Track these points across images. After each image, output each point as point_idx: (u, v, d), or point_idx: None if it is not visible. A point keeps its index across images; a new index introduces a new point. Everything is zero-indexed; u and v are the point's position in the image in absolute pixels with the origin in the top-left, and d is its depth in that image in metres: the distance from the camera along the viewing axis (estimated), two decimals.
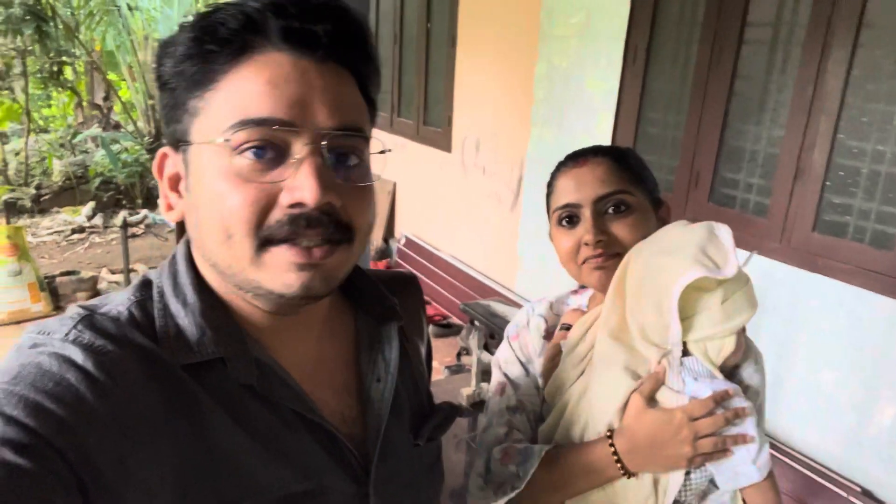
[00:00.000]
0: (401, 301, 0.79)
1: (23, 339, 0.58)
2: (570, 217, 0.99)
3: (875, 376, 2.14)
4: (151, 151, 7.80)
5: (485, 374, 3.42)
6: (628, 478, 0.89)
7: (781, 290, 2.40)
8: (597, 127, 3.13)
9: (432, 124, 4.66)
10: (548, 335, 1.09)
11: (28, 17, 6.43)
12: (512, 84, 3.74)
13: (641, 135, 2.99)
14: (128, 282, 4.59)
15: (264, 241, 0.59)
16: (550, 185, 1.05)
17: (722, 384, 0.89)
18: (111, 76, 8.62)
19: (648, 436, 0.86)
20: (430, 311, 4.35)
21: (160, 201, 0.66)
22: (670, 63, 2.84)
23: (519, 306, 3.45)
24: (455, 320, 4.18)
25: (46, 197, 7.34)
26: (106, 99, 8.74)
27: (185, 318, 0.62)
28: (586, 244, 0.96)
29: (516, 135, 3.71)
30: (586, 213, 0.97)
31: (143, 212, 7.16)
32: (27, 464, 0.47)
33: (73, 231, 6.65)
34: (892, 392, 2.10)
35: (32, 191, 7.28)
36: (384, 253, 5.32)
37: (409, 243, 4.94)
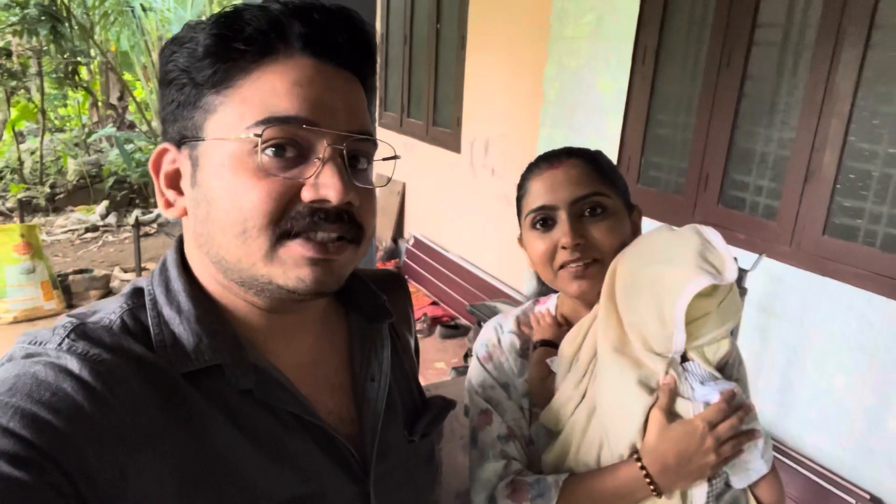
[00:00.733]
0: (390, 298, 0.79)
1: (14, 349, 0.58)
2: (545, 220, 0.96)
3: (886, 381, 2.11)
4: None
5: None
6: (659, 496, 0.87)
7: (791, 294, 2.37)
8: (606, 128, 3.11)
9: (441, 125, 4.66)
10: (523, 353, 1.04)
11: (44, 18, 6.51)
12: (521, 85, 3.73)
13: (650, 136, 2.97)
14: None
15: (281, 235, 0.60)
16: (522, 188, 1.02)
17: (725, 384, 0.89)
18: (126, 76, 8.70)
19: (677, 451, 0.84)
20: (437, 311, 4.35)
21: (157, 198, 0.66)
22: (680, 64, 2.82)
23: None
24: (463, 321, 4.18)
25: (61, 196, 7.42)
26: (121, 99, 8.83)
27: (181, 326, 0.62)
28: (563, 248, 0.94)
29: (525, 136, 3.70)
30: (562, 216, 0.94)
31: (156, 211, 7.22)
32: (24, 476, 0.47)
33: (87, 230, 6.72)
34: None
35: (47, 190, 7.37)
36: (393, 253, 5.32)
37: (418, 244, 4.94)
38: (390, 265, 5.11)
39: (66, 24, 6.82)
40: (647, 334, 0.89)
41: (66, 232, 6.62)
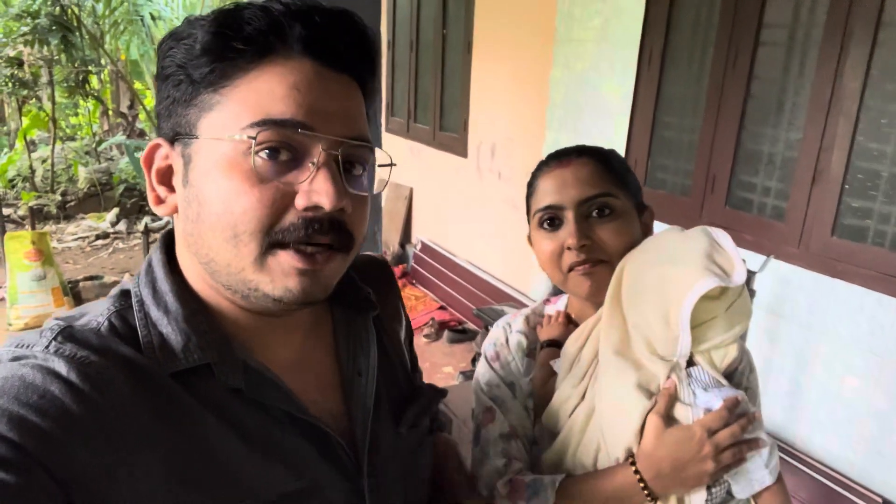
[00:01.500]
0: (375, 288, 0.79)
1: (0, 352, 0.57)
2: (551, 219, 0.95)
3: None
4: None
5: None
6: (654, 502, 0.86)
7: (800, 296, 2.35)
8: (612, 131, 3.11)
9: (448, 130, 4.66)
10: (530, 353, 1.03)
11: (54, 28, 6.58)
12: (527, 89, 3.73)
13: (657, 138, 2.96)
14: None
15: (272, 244, 0.59)
16: (531, 185, 1.01)
17: (729, 392, 0.87)
18: (136, 85, 8.78)
19: (672, 457, 0.83)
20: (445, 316, 4.34)
21: (148, 194, 0.66)
22: (686, 66, 2.81)
23: None
24: (470, 326, 4.17)
25: (72, 203, 7.49)
26: (131, 107, 8.92)
27: (168, 326, 0.62)
28: (569, 248, 0.93)
29: (532, 140, 3.70)
30: (569, 216, 0.93)
31: (166, 218, 7.26)
32: (12, 479, 0.47)
33: (98, 237, 6.77)
34: None
35: (58, 197, 7.44)
36: (401, 258, 5.32)
37: (426, 248, 4.94)
38: (398, 270, 5.11)
39: (77, 34, 6.90)
40: (652, 336, 0.88)
41: (76, 239, 6.68)
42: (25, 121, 7.92)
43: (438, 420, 0.91)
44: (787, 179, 2.41)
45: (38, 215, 6.81)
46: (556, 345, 1.00)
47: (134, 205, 7.55)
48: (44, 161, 7.85)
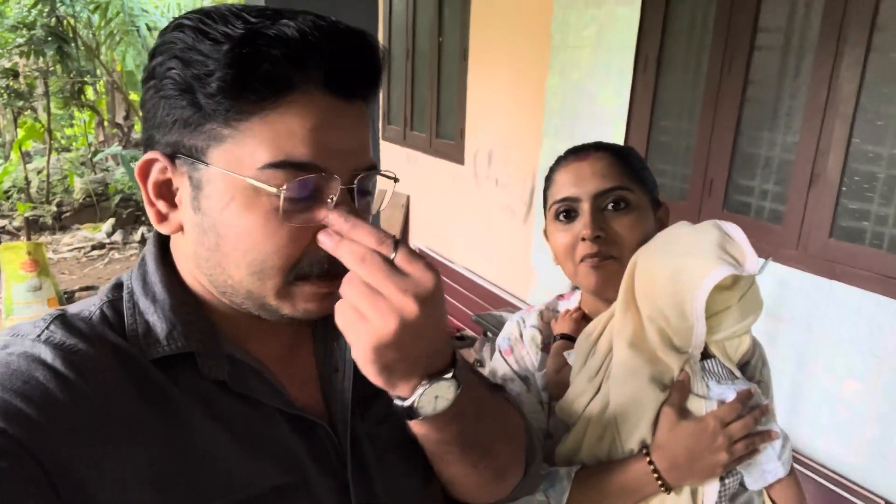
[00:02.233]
0: None
1: None
2: (567, 211, 0.97)
3: None
4: None
5: None
6: (668, 493, 0.87)
7: (798, 298, 2.35)
8: (609, 137, 3.12)
9: (445, 137, 4.67)
10: (545, 347, 1.05)
11: (50, 39, 6.60)
12: (523, 96, 3.74)
13: (654, 143, 2.97)
14: None
15: (296, 278, 0.60)
16: (549, 179, 1.02)
17: (743, 384, 0.89)
18: (132, 96, 8.79)
19: (686, 449, 0.84)
20: None
21: (147, 209, 0.64)
22: (681, 71, 2.83)
23: None
24: (469, 332, 4.16)
25: (67, 214, 7.47)
26: (126, 118, 8.92)
27: (154, 315, 0.62)
28: (584, 240, 0.94)
29: (528, 146, 3.71)
30: (585, 208, 0.95)
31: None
32: None
33: (93, 247, 6.75)
34: None
35: (54, 208, 7.42)
36: None
37: (423, 255, 4.94)
38: None
39: (73, 45, 6.92)
40: (667, 328, 0.89)
41: (72, 250, 6.65)
42: (21, 132, 7.92)
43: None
44: (784, 182, 2.42)
45: (33, 226, 6.78)
46: (569, 339, 1.01)
47: (130, 215, 7.54)
48: (39, 172, 7.83)
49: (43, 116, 7.66)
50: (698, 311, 0.84)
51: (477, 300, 4.18)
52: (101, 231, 7.11)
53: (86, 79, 7.61)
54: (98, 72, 7.92)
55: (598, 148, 0.99)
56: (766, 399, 0.90)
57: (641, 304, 0.91)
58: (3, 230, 6.92)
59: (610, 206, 0.95)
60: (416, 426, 0.63)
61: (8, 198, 7.70)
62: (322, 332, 0.75)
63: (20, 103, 7.52)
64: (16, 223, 7.15)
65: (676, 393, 0.87)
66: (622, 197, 0.95)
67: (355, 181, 0.61)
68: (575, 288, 1.12)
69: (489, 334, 3.23)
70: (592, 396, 0.93)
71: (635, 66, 2.97)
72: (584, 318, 1.04)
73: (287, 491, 0.63)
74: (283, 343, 0.71)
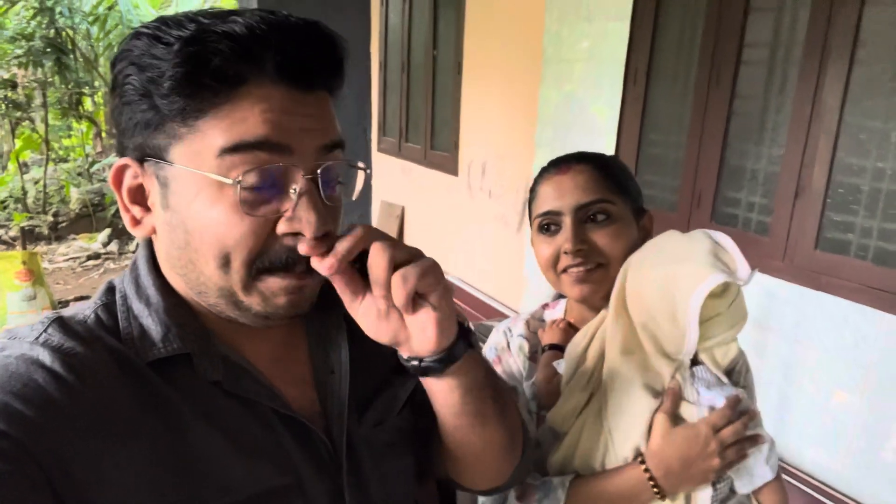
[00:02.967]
0: None
1: None
2: (550, 225, 0.99)
3: (882, 395, 2.10)
4: None
5: None
6: (662, 499, 0.88)
7: (785, 309, 2.37)
8: (600, 148, 3.14)
9: (439, 149, 4.71)
10: (532, 356, 1.05)
11: (49, 50, 6.64)
12: (516, 108, 3.78)
13: (643, 156, 3.00)
14: None
15: (259, 271, 0.60)
16: (533, 191, 1.04)
17: (731, 390, 0.90)
18: None
19: (680, 455, 0.85)
20: None
21: (122, 215, 0.65)
22: (670, 84, 2.87)
23: None
24: None
25: (63, 224, 7.48)
26: None
27: (149, 318, 0.63)
28: (566, 253, 0.95)
29: (521, 158, 3.74)
30: (567, 221, 0.96)
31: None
32: None
33: (89, 257, 6.76)
34: None
35: (50, 218, 7.43)
36: None
37: None
38: None
39: (71, 56, 6.96)
40: (659, 334, 0.90)
41: (67, 260, 6.66)
42: (18, 142, 7.93)
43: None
44: (770, 195, 2.45)
45: (29, 236, 6.79)
46: (557, 348, 1.02)
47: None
48: (36, 182, 7.85)
49: (41, 127, 7.69)
50: (692, 317, 0.85)
51: (470, 310, 4.20)
52: (96, 241, 7.12)
53: (84, 90, 7.64)
54: (96, 83, 7.96)
55: (580, 160, 1.00)
56: (753, 404, 0.91)
57: (633, 311, 0.92)
58: None
59: (591, 219, 0.96)
60: (434, 382, 0.68)
61: (4, 208, 7.71)
62: (317, 335, 0.75)
63: (18, 114, 7.55)
64: (12, 233, 7.15)
65: (669, 400, 0.88)
66: (603, 209, 0.96)
67: (318, 170, 0.60)
68: (559, 296, 1.13)
69: (481, 344, 3.25)
70: (584, 405, 0.93)
71: (625, 80, 3.01)
72: (570, 328, 1.05)
73: (282, 492, 0.64)
74: (276, 344, 0.72)
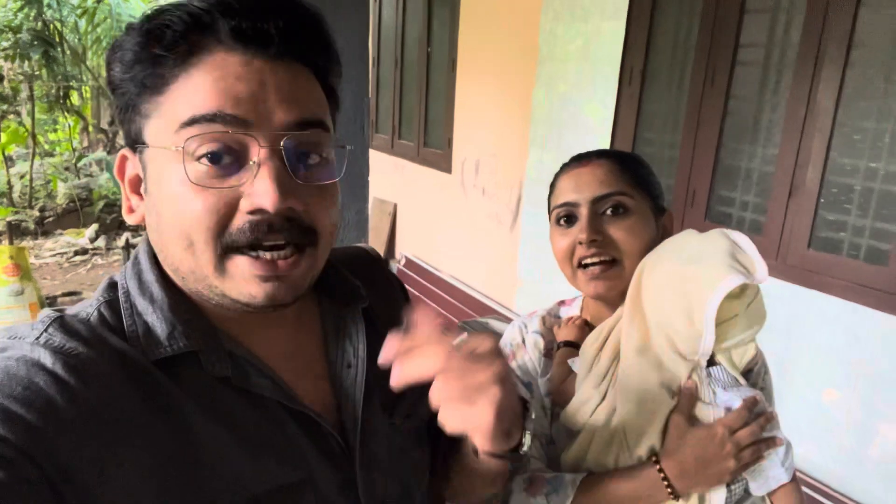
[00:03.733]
0: (364, 278, 0.77)
1: None
2: (567, 216, 0.98)
3: (873, 392, 2.14)
4: None
5: None
6: (676, 500, 0.87)
7: (778, 307, 2.40)
8: (594, 148, 3.15)
9: (432, 146, 4.71)
10: (547, 352, 1.05)
11: (36, 43, 6.56)
12: (511, 107, 3.79)
13: (638, 155, 3.02)
14: None
15: (226, 249, 0.58)
16: (552, 185, 1.04)
17: (747, 391, 0.89)
18: None
19: (696, 456, 0.85)
20: None
21: (123, 204, 0.66)
22: (665, 85, 2.89)
23: None
24: None
25: (50, 219, 7.39)
26: (111, 123, 8.85)
27: (153, 315, 0.61)
28: (580, 243, 0.95)
29: (515, 156, 3.75)
30: (583, 213, 0.96)
31: (146, 233, 7.20)
32: None
33: (76, 253, 6.68)
34: (890, 408, 2.10)
35: (36, 213, 7.34)
36: None
37: (410, 264, 4.96)
38: None
39: (59, 49, 6.87)
40: (675, 335, 0.89)
41: (54, 255, 6.58)
42: (4, 136, 7.83)
43: None
44: (764, 194, 2.48)
45: (15, 231, 6.70)
46: (573, 346, 1.01)
47: (114, 221, 7.47)
48: (22, 176, 7.75)
49: (27, 121, 7.59)
50: (709, 318, 0.84)
51: (463, 308, 4.20)
52: (84, 236, 7.04)
53: (71, 83, 7.55)
54: (84, 77, 7.87)
55: (601, 155, 1.01)
56: (770, 406, 0.91)
57: (649, 311, 0.91)
58: None
59: (608, 211, 0.96)
60: (496, 461, 0.69)
61: None
62: (334, 328, 0.75)
63: (4, 107, 7.45)
64: None
65: (685, 400, 0.88)
66: (620, 202, 0.96)
67: (281, 142, 0.58)
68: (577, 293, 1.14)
69: None
70: (598, 403, 0.93)
71: (620, 79, 3.03)
72: (586, 325, 1.05)
73: (293, 488, 0.63)
74: (287, 338, 0.71)
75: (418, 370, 0.58)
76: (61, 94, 7.41)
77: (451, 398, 0.58)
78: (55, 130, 9.34)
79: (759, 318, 0.90)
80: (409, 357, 0.59)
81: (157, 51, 0.57)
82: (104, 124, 8.91)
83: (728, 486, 0.88)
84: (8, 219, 6.79)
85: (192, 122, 0.56)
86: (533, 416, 0.71)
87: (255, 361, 0.65)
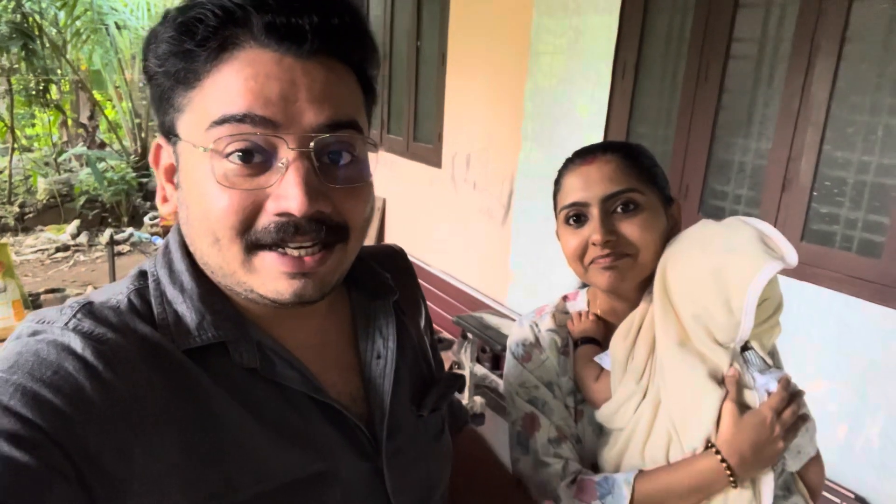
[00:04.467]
0: (392, 275, 0.79)
1: (21, 327, 0.57)
2: (577, 216, 0.97)
3: (865, 382, 2.17)
4: (137, 170, 7.76)
5: (477, 387, 3.41)
6: (735, 487, 0.88)
7: None
8: (587, 142, 3.16)
9: (422, 140, 4.69)
10: (564, 350, 1.04)
11: (14, 36, 6.42)
12: (502, 100, 3.78)
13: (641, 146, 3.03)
14: None
15: (252, 246, 0.58)
16: (557, 183, 1.03)
17: (779, 372, 0.92)
18: (97, 95, 8.59)
19: (751, 441, 0.86)
20: None
21: (157, 192, 0.66)
22: (659, 78, 2.90)
23: (512, 319, 3.46)
24: (446, 335, 4.17)
25: (30, 215, 7.26)
26: (91, 118, 8.71)
27: (184, 304, 0.62)
28: (594, 244, 0.94)
29: (507, 150, 3.75)
30: (594, 212, 0.95)
31: (129, 230, 7.11)
32: (25, 457, 0.46)
33: (58, 249, 6.58)
34: (882, 398, 2.13)
35: (16, 209, 7.21)
36: None
37: None
38: None
39: (38, 42, 6.74)
40: (713, 325, 0.90)
41: (35, 252, 6.47)
42: None
43: (463, 412, 0.92)
44: (757, 187, 2.50)
45: None
46: (591, 341, 1.01)
47: (95, 216, 7.36)
48: (1, 172, 7.60)
49: (6, 115, 7.43)
50: (749, 306, 0.85)
51: (454, 303, 4.20)
52: (65, 233, 6.93)
53: (51, 77, 7.41)
54: (60, 71, 7.73)
55: (606, 150, 0.99)
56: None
57: (681, 304, 0.92)
58: None
59: (619, 209, 0.95)
60: None
61: None
62: (364, 320, 0.75)
63: None
64: None
65: (734, 388, 0.89)
66: (630, 199, 0.95)
67: (311, 143, 0.57)
68: (583, 286, 1.13)
69: (469, 336, 3.25)
70: (641, 399, 0.93)
71: (613, 73, 3.03)
72: (598, 319, 1.05)
73: (318, 478, 0.63)
74: (315, 330, 0.71)
75: None
76: (41, 88, 7.27)
77: None
78: (33, 125, 9.17)
79: (779, 299, 0.93)
80: None
81: (190, 45, 0.57)
82: (84, 119, 8.75)
83: (772, 466, 0.90)
84: None
85: (222, 121, 0.56)
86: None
87: (283, 353, 0.65)
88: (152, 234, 7.02)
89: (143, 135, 8.11)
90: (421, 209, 4.79)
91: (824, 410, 2.29)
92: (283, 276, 0.59)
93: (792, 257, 0.86)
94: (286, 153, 0.57)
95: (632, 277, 0.96)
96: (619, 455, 0.94)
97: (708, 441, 0.89)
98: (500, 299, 3.95)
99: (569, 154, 1.05)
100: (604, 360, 0.98)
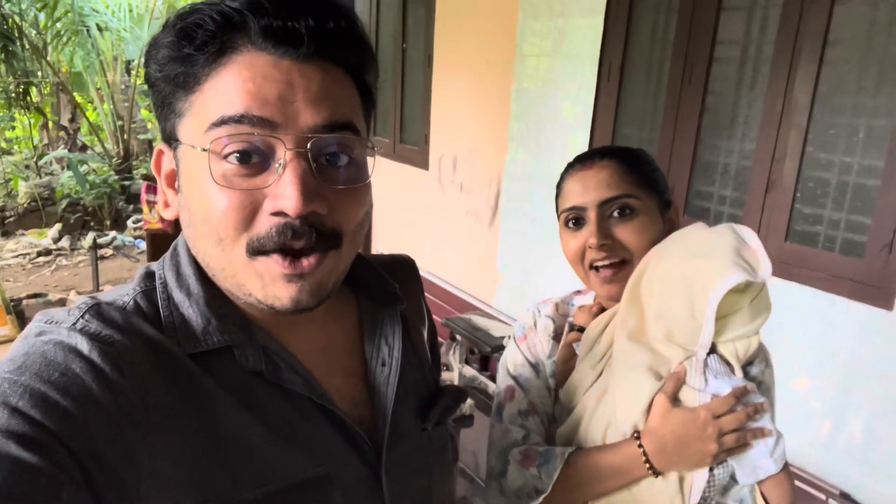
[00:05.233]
0: (400, 286, 0.79)
1: (30, 327, 0.57)
2: (576, 219, 1.02)
3: (849, 379, 2.20)
4: (120, 173, 7.69)
5: (466, 389, 3.40)
6: (655, 477, 0.90)
7: None
8: (573, 144, 3.19)
9: (409, 142, 4.69)
10: (556, 336, 1.10)
11: None
12: (488, 102, 3.79)
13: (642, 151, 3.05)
14: None
15: (255, 252, 0.59)
16: (559, 187, 1.08)
17: (739, 381, 0.92)
18: (78, 97, 8.50)
19: (675, 435, 0.88)
20: None
21: (158, 197, 0.67)
22: (644, 81, 2.93)
23: (500, 321, 3.47)
24: None
25: (11, 219, 7.17)
26: (72, 120, 8.61)
27: (190, 308, 0.62)
28: (590, 247, 0.99)
29: (493, 152, 3.76)
30: (591, 216, 0.99)
31: (112, 233, 7.03)
32: (32, 458, 0.46)
33: (39, 254, 6.50)
34: (865, 395, 2.16)
35: None
36: None
37: None
38: None
39: (18, 44, 6.65)
40: (675, 326, 0.91)
41: (16, 256, 6.39)
42: None
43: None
44: (742, 188, 2.53)
45: None
46: (582, 330, 1.05)
47: (78, 220, 7.29)
48: None
49: None
50: (709, 312, 0.87)
51: (442, 305, 4.20)
52: (46, 237, 6.85)
53: (31, 79, 7.32)
54: (43, 73, 7.63)
55: (605, 155, 1.03)
56: (763, 398, 0.93)
57: (649, 300, 0.94)
58: None
59: (615, 214, 0.99)
60: None
61: None
62: (371, 327, 0.76)
63: None
64: None
65: (670, 383, 0.91)
66: (626, 204, 0.99)
67: (308, 143, 0.58)
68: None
69: (458, 338, 3.26)
70: (593, 382, 0.97)
71: (599, 76, 3.06)
72: (602, 312, 1.08)
73: (319, 482, 0.63)
74: (320, 335, 0.71)
75: None
76: (20, 90, 7.18)
77: None
78: (13, 128, 9.05)
79: (763, 311, 0.93)
80: None
81: (189, 50, 0.58)
82: (65, 121, 8.65)
83: (711, 469, 0.91)
84: None
85: (220, 122, 0.57)
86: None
87: (288, 357, 0.65)
88: (136, 238, 6.95)
89: (125, 137, 8.03)
90: (408, 211, 4.79)
91: (809, 408, 2.32)
92: (282, 279, 0.60)
93: (765, 272, 0.87)
94: (283, 154, 0.57)
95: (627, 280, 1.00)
96: (567, 432, 0.99)
97: (636, 428, 0.92)
98: (487, 301, 3.96)
99: (555, 156, 1.09)
100: (579, 345, 1.03)
